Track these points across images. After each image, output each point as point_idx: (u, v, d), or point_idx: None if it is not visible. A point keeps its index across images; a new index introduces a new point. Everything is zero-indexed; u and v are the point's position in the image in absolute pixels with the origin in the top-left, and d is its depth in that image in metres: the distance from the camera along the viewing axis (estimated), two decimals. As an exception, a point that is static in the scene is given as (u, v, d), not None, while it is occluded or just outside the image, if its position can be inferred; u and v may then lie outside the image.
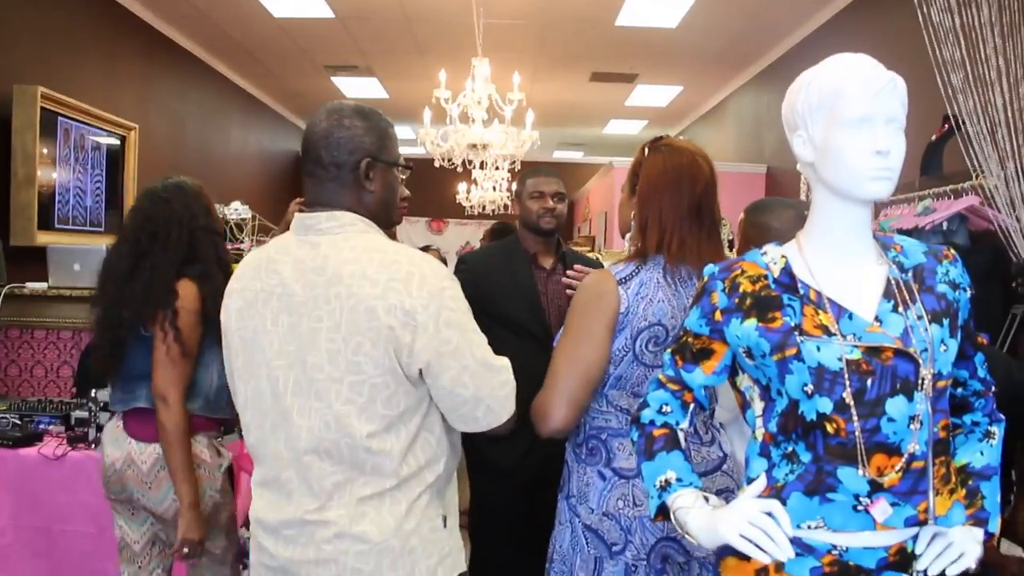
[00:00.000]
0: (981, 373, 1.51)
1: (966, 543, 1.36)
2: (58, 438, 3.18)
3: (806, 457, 1.34)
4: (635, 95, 9.59)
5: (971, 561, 1.35)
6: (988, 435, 1.50)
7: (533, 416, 1.90)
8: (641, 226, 1.95)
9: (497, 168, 9.20)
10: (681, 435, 1.53)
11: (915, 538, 1.37)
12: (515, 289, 2.87)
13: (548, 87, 9.19)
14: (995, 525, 1.44)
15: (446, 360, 1.60)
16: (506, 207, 10.43)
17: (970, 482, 1.45)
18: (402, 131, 10.70)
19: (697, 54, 7.81)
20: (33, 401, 3.52)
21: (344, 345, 1.58)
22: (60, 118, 5.29)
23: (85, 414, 3.16)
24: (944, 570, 1.34)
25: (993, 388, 1.52)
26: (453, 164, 6.52)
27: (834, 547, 1.35)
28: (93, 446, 3.07)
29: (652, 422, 1.53)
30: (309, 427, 1.62)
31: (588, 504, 1.92)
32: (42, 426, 3.31)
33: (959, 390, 1.50)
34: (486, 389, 1.64)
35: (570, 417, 1.87)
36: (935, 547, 1.35)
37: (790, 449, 1.37)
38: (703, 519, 1.37)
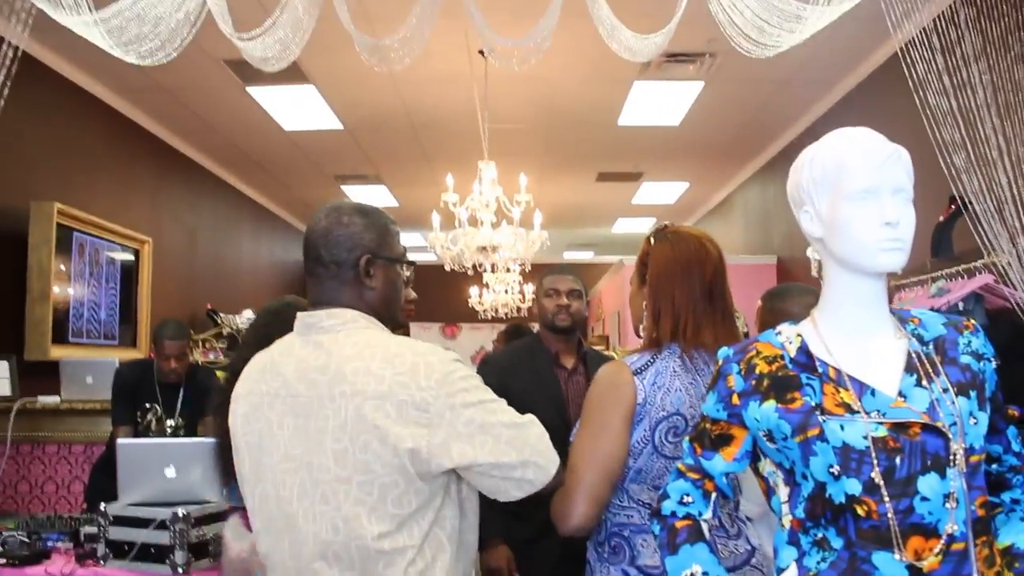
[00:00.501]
0: (1016, 447, 1.45)
1: None
2: (66, 555, 3.10)
3: (838, 543, 1.28)
4: (641, 193, 9.70)
5: None
6: None
7: (553, 515, 1.83)
8: (654, 315, 1.92)
9: (508, 271, 9.24)
10: (705, 526, 1.46)
11: None
12: (539, 388, 2.84)
13: (555, 189, 9.31)
14: None
15: (478, 438, 1.54)
16: (519, 309, 10.44)
17: (1016, 565, 1.38)
18: (412, 237, 10.83)
19: (702, 150, 7.93)
20: (42, 518, 3.44)
21: (351, 444, 1.53)
22: (76, 233, 5.38)
23: (95, 530, 3.08)
24: None
25: None
26: (464, 268, 6.56)
27: None
28: (102, 562, 2.98)
29: (674, 514, 1.47)
30: (315, 532, 1.56)
31: (613, 607, 1.83)
32: (50, 543, 3.22)
33: (994, 467, 1.44)
34: (528, 448, 1.58)
35: (591, 514, 1.80)
36: None
37: (820, 535, 1.30)
38: None
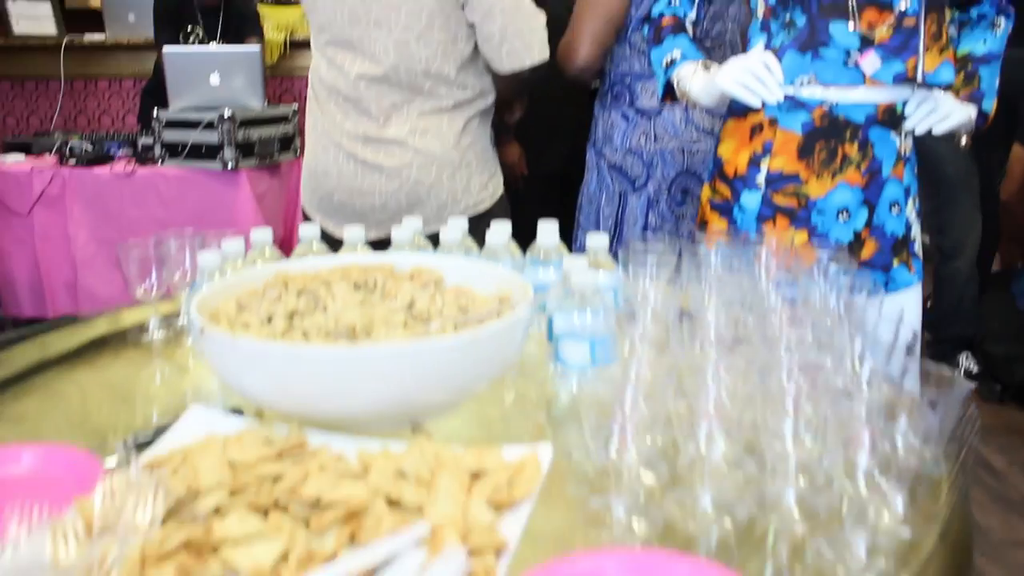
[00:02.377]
0: None
1: (954, 107, 1.44)
2: (127, 159, 3.38)
3: (801, 20, 1.41)
4: None
5: (956, 122, 1.44)
6: (994, 25, 1.55)
7: (559, 58, 1.99)
8: None
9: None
10: (688, 25, 1.60)
11: (905, 101, 1.44)
12: None
13: None
14: (990, 105, 1.51)
15: None
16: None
17: (969, 67, 1.52)
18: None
19: None
20: (102, 133, 3.71)
21: None
22: None
23: (151, 140, 3.33)
24: (931, 129, 1.43)
25: None
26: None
27: (825, 101, 1.43)
28: (160, 162, 3.26)
29: (661, 15, 1.60)
30: (371, 53, 1.75)
31: (612, 144, 2.03)
32: (112, 151, 3.50)
33: None
34: (512, 28, 1.72)
35: (594, 54, 1.95)
36: (923, 107, 1.43)
37: (788, 18, 1.44)
38: (703, 80, 1.46)
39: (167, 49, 3.22)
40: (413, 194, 1.77)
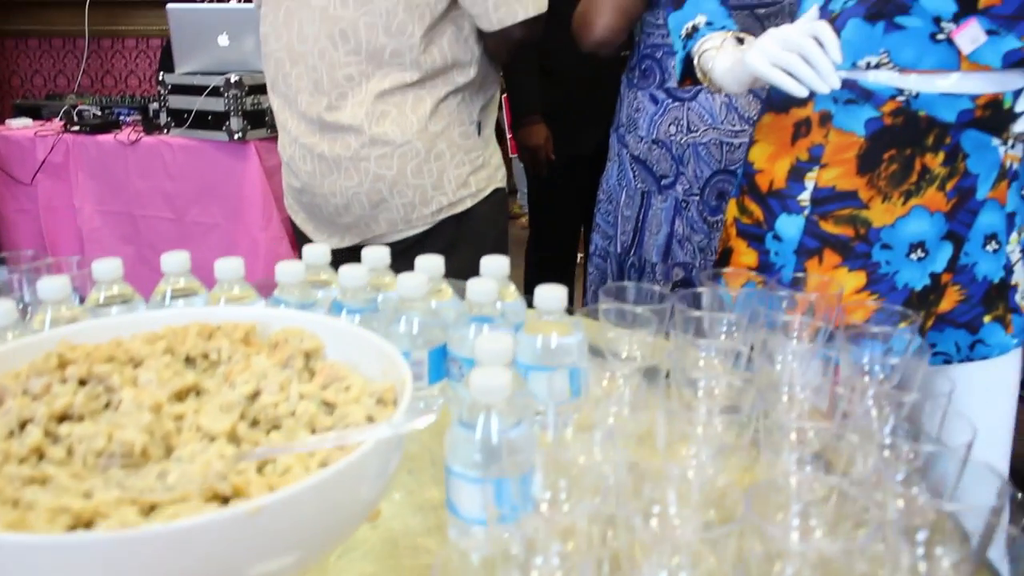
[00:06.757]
0: None
1: None
2: (135, 127, 3.14)
3: None
4: None
5: None
6: None
7: (575, 27, 1.64)
8: None
9: None
10: None
11: (1018, 93, 1.04)
12: None
13: None
14: None
15: None
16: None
17: None
18: None
19: None
20: (116, 97, 3.47)
21: None
22: None
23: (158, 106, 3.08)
24: None
25: None
26: None
27: (900, 92, 1.04)
28: (165, 131, 3.01)
29: None
30: (323, 7, 1.48)
31: (637, 132, 1.68)
32: (121, 116, 3.27)
33: None
34: None
35: (615, 25, 1.60)
36: None
37: None
38: (731, 57, 1.09)
39: (171, 5, 2.94)
40: (374, 192, 1.47)
